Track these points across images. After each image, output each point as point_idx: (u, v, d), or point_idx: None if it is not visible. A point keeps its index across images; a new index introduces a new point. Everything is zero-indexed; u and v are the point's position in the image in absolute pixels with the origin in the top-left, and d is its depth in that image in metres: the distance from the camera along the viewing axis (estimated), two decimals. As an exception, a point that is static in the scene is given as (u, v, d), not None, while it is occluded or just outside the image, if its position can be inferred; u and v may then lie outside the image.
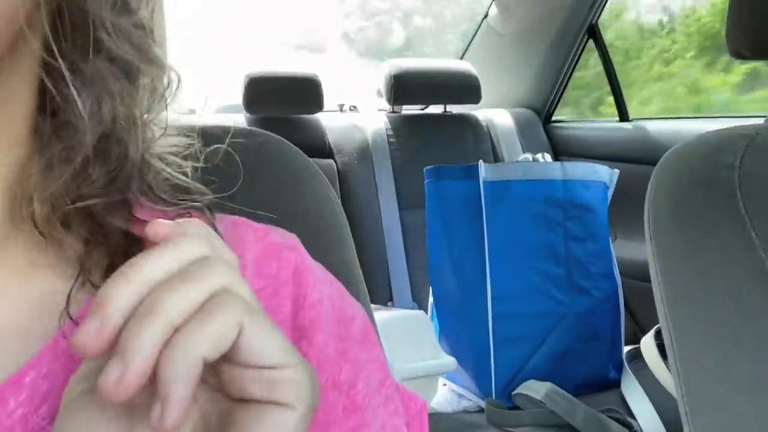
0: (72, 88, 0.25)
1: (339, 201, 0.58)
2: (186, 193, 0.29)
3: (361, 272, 0.58)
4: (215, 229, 0.29)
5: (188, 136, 0.32)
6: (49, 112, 0.27)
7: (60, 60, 0.24)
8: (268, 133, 0.48)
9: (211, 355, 0.19)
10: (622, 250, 1.44)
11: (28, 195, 0.26)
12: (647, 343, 1.15)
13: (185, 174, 0.31)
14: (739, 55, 0.68)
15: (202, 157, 0.32)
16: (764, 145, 0.56)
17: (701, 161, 0.57)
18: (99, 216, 0.27)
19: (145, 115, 0.28)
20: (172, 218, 0.26)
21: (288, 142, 0.51)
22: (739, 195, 0.53)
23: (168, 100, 0.29)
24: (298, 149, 0.51)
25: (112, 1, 0.25)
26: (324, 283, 0.31)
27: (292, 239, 0.33)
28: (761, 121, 0.68)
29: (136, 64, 0.27)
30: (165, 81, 0.29)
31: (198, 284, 0.19)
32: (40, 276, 0.27)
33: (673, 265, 0.58)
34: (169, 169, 0.29)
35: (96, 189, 0.27)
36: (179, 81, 0.29)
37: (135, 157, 0.27)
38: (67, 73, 0.25)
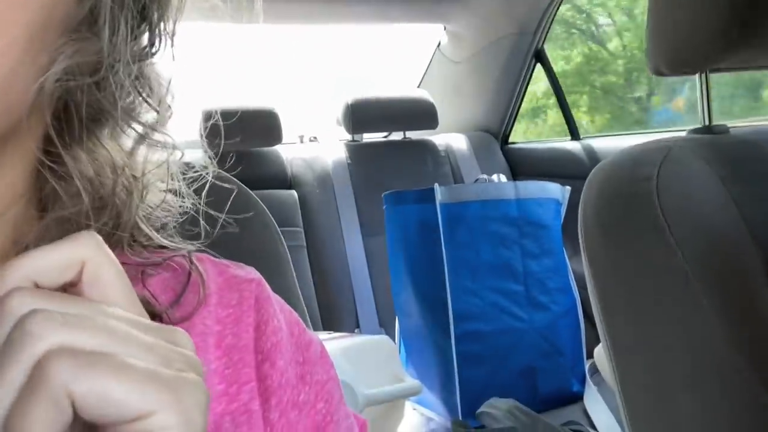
0: (73, 170, 0.26)
1: (278, 230, 0.59)
2: (165, 246, 0.31)
3: (301, 299, 0.59)
4: (199, 273, 0.31)
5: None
6: (49, 169, 0.27)
7: (60, 147, 0.26)
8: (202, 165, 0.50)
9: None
10: (581, 264, 1.47)
11: (23, 248, 0.26)
12: (600, 353, 1.18)
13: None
14: (659, 72, 0.71)
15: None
16: (679, 157, 0.59)
17: (623, 175, 0.60)
18: None
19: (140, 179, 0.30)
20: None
21: (224, 172, 0.52)
22: (657, 204, 0.56)
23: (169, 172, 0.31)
24: (235, 179, 0.52)
25: (126, 92, 0.27)
26: (282, 312, 0.34)
27: (252, 273, 0.35)
28: (683, 134, 0.72)
29: (138, 140, 0.29)
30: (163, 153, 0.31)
31: (16, 360, 0.17)
32: None
33: (603, 273, 0.61)
34: (153, 233, 0.31)
35: None
36: (174, 147, 0.31)
37: (129, 219, 0.29)
38: (68, 158, 0.26)
